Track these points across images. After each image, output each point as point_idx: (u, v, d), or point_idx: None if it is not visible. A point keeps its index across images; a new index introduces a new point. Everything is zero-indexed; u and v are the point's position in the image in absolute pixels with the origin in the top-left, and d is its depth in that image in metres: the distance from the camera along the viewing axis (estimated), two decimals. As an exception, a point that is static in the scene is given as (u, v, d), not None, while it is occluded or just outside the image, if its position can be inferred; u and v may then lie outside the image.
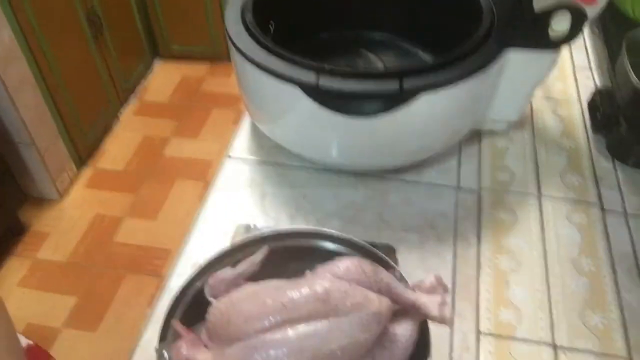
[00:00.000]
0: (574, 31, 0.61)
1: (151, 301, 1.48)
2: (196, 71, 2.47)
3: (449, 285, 0.58)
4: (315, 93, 0.58)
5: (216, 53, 2.43)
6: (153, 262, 1.75)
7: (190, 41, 2.43)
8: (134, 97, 2.35)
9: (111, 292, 1.67)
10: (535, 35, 0.61)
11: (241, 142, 0.77)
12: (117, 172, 2.05)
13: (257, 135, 0.77)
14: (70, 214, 1.90)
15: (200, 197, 0.67)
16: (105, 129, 2.18)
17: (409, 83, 0.57)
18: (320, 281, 0.45)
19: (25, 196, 1.83)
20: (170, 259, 1.75)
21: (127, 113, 2.29)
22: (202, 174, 2.02)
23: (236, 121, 0.79)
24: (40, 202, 1.91)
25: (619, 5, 0.87)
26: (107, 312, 1.63)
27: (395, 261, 0.57)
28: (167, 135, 2.19)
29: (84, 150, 2.03)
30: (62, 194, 1.93)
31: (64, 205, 1.92)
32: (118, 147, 2.14)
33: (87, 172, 2.04)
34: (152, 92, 2.39)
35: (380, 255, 0.53)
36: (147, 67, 2.46)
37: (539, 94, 0.82)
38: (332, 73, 0.57)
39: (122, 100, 2.28)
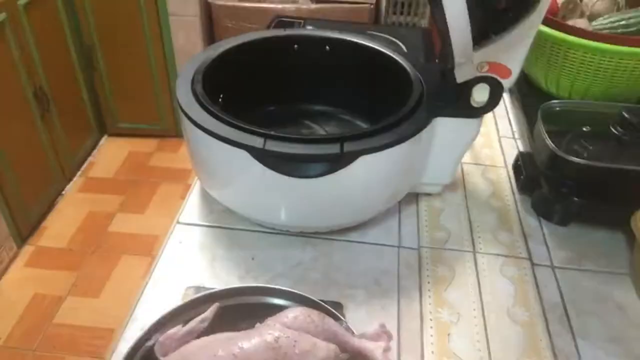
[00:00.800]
0: (493, 101, 0.68)
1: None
2: (144, 147, 2.48)
3: (395, 338, 0.61)
4: (263, 157, 0.61)
5: (164, 129, 2.47)
6: (94, 343, 1.67)
7: (139, 118, 2.46)
8: (79, 174, 2.33)
9: (48, 377, 1.58)
10: (459, 105, 0.68)
11: (191, 207, 0.79)
12: (60, 249, 1.99)
13: (207, 200, 0.79)
14: (8, 294, 1.81)
15: (147, 273, 0.69)
16: (49, 206, 2.13)
17: (349, 147, 0.62)
18: (270, 331, 0.47)
19: (-42, 277, 1.75)
20: (113, 338, 1.68)
21: (72, 189, 2.26)
22: (149, 250, 1.99)
23: (184, 196, 0.81)
24: (-25, 283, 1.82)
25: (534, 80, 0.97)
26: (43, 399, 1.53)
27: (343, 316, 0.59)
28: (112, 211, 2.16)
29: (25, 228, 1.97)
30: (-1, 274, 1.85)
31: (1, 286, 1.83)
32: (61, 224, 2.09)
33: (27, 250, 1.97)
34: (99, 168, 2.37)
35: (328, 309, 0.55)
36: (94, 144, 2.46)
37: (468, 159, 0.89)
38: (278, 138, 0.62)
39: (68, 177, 2.25)
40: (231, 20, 2.09)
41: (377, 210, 0.75)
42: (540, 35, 0.86)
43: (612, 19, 0.86)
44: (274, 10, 1.96)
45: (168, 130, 2.46)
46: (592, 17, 0.92)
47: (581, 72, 0.85)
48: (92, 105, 2.38)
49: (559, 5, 0.94)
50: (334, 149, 0.61)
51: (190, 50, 2.17)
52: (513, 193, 0.84)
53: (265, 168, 0.62)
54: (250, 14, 2.03)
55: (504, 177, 0.87)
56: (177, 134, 2.45)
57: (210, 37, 2.20)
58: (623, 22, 0.84)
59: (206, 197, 0.80)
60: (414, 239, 0.75)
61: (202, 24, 2.15)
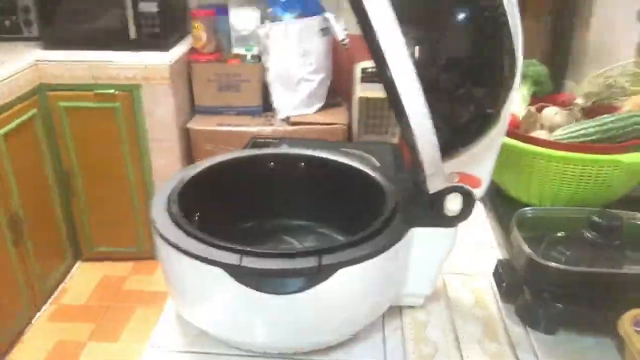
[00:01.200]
0: (466, 210, 0.69)
1: None
2: (119, 270, 2.42)
3: None
4: (239, 273, 0.60)
5: (141, 251, 2.43)
6: None
7: (115, 242, 2.42)
8: (50, 301, 2.24)
9: None
10: (433, 214, 0.69)
11: (164, 331, 0.75)
12: (23, 385, 1.85)
13: (181, 323, 0.76)
14: None
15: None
16: (17, 337, 2.02)
17: (327, 260, 0.61)
18: None
19: None
20: None
21: (42, 318, 2.15)
22: (121, 381, 1.87)
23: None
24: None
25: (506, 190, 1.00)
26: None
27: None
28: (83, 340, 2.05)
29: (-14, 363, 1.84)
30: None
31: None
32: (27, 356, 1.97)
33: (-13, 389, 1.83)
34: (71, 295, 2.29)
35: None
36: (68, 269, 2.39)
37: (449, 269, 0.89)
38: (255, 254, 0.61)
39: (38, 305, 2.16)
40: (210, 143, 2.16)
41: (360, 326, 0.72)
42: (506, 147, 0.90)
43: (571, 129, 0.91)
44: (251, 133, 2.03)
45: (144, 252, 2.42)
46: (552, 129, 0.97)
47: (547, 180, 0.88)
48: (68, 230, 2.35)
49: (520, 120, 1.00)
50: (311, 262, 0.60)
51: (169, 173, 2.20)
52: (496, 301, 0.82)
53: (240, 285, 0.60)
54: (228, 137, 2.10)
55: (486, 286, 0.86)
56: (154, 255, 2.40)
57: (189, 159, 2.25)
58: (582, 132, 0.89)
59: (180, 320, 0.76)
60: (400, 354, 0.72)
61: (180, 148, 2.21)
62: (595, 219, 0.76)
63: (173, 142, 2.20)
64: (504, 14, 0.55)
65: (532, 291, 0.76)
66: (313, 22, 2.02)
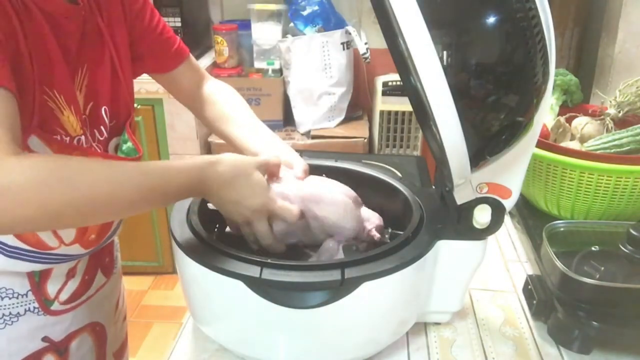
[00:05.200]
0: (496, 222, 0.66)
1: None
2: (139, 284, 2.42)
3: None
4: (259, 286, 0.58)
5: (161, 266, 2.42)
6: None
7: (136, 257, 2.42)
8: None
9: None
10: (461, 227, 0.66)
11: (183, 346, 0.73)
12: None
13: (200, 338, 0.74)
14: None
15: None
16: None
17: (350, 273, 0.58)
18: None
19: None
20: None
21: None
22: (139, 398, 1.85)
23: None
24: None
25: (535, 203, 0.96)
26: None
27: None
28: None
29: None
30: None
31: None
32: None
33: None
34: (91, 309, 2.29)
35: None
36: (88, 283, 2.39)
37: (477, 286, 0.85)
38: (275, 266, 0.59)
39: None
40: (230, 157, 2.15)
41: (384, 343, 0.69)
42: (535, 158, 0.87)
43: (604, 140, 0.87)
44: (271, 146, 2.01)
45: (164, 266, 2.41)
46: (582, 140, 0.94)
47: (580, 193, 0.85)
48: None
49: (549, 130, 0.96)
50: (334, 275, 0.58)
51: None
52: (527, 319, 0.78)
53: (260, 299, 0.58)
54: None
55: (515, 303, 0.82)
56: (174, 270, 2.40)
57: (210, 173, 2.25)
58: (616, 142, 0.85)
59: (199, 335, 0.74)
60: (426, 374, 0.69)
61: (201, 162, 2.21)
62: (634, 232, 0.72)
63: (194, 156, 2.20)
64: (538, 20, 0.53)
65: (565, 308, 0.72)
66: (334, 36, 2.01)
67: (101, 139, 0.75)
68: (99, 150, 0.74)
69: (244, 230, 0.66)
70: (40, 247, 0.70)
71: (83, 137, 0.69)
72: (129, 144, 0.79)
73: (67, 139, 0.67)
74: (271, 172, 0.69)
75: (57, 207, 0.51)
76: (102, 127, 0.74)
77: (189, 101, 0.93)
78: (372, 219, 0.73)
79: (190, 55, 0.90)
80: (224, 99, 0.90)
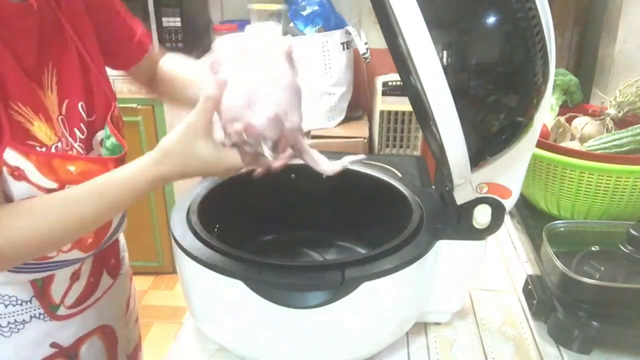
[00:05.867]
0: (496, 222, 0.66)
1: None
2: (139, 284, 2.41)
3: None
4: (259, 286, 0.58)
5: (161, 266, 2.42)
6: None
7: (135, 257, 2.42)
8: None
9: None
10: (461, 227, 0.66)
11: (182, 346, 0.73)
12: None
13: (199, 338, 0.74)
14: None
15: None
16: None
17: (350, 273, 0.58)
18: None
19: None
20: None
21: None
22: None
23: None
24: None
25: (535, 203, 0.96)
26: None
27: None
28: None
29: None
30: None
31: None
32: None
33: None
34: (91, 309, 2.29)
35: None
36: (88, 283, 2.39)
37: (477, 286, 0.85)
38: (275, 267, 0.59)
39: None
40: (230, 157, 2.15)
41: (384, 343, 0.69)
42: (535, 158, 0.87)
43: (604, 140, 0.87)
44: (271, 146, 2.01)
45: (165, 266, 2.41)
46: (582, 140, 0.94)
47: (580, 193, 0.85)
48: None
49: (549, 130, 0.96)
50: (334, 276, 0.58)
51: (189, 187, 2.20)
52: (527, 319, 0.78)
53: (260, 299, 0.58)
54: (249, 151, 2.09)
55: (515, 303, 0.82)
56: (174, 270, 2.40)
57: (210, 173, 2.25)
58: (616, 142, 0.85)
59: (199, 335, 0.74)
60: (426, 375, 0.69)
61: (201, 162, 2.21)
62: (634, 232, 0.72)
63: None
64: (538, 20, 0.53)
65: (565, 308, 0.72)
66: (334, 36, 2.01)
67: (82, 137, 0.71)
68: (80, 152, 0.70)
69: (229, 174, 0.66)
70: (39, 259, 0.69)
71: (60, 144, 0.67)
72: (113, 139, 0.76)
73: (44, 149, 0.64)
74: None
75: (30, 253, 0.60)
76: (81, 124, 0.71)
77: (151, 88, 0.91)
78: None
79: (151, 47, 0.86)
80: (174, 67, 0.87)
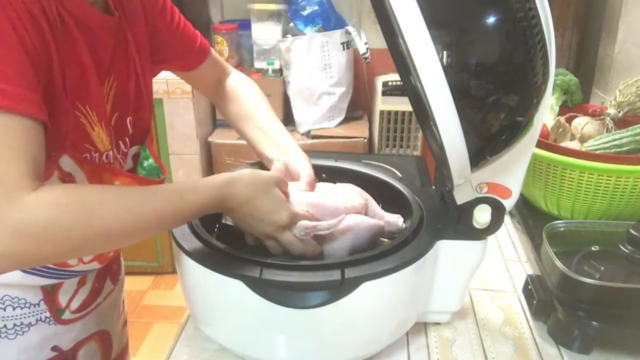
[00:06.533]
0: (496, 222, 0.66)
1: None
2: (139, 284, 2.42)
3: None
4: (259, 286, 0.58)
5: (161, 266, 2.42)
6: None
7: (135, 257, 2.42)
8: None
9: None
10: (461, 227, 0.66)
11: (182, 346, 0.73)
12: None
13: (200, 338, 0.74)
14: None
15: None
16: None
17: (350, 273, 0.58)
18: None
19: None
20: None
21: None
22: (139, 397, 1.85)
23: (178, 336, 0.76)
24: None
25: (535, 203, 0.96)
26: None
27: None
28: None
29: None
30: None
31: None
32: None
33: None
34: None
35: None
36: (88, 283, 2.39)
37: (477, 286, 0.85)
38: (275, 266, 0.59)
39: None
40: (230, 157, 2.15)
41: (384, 343, 0.69)
42: (535, 158, 0.87)
43: (604, 140, 0.87)
44: (271, 146, 2.01)
45: (164, 266, 2.41)
46: (582, 139, 0.94)
47: (580, 193, 0.85)
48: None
49: (549, 130, 0.96)
50: (334, 275, 0.58)
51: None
52: (527, 319, 0.78)
53: (260, 298, 0.58)
54: (249, 151, 2.09)
55: (515, 303, 0.82)
56: (174, 270, 2.40)
57: (210, 173, 2.25)
58: (616, 142, 0.85)
59: (199, 335, 0.74)
60: (426, 375, 0.69)
61: (201, 162, 2.21)
62: (634, 232, 0.72)
63: (194, 156, 2.20)
64: (538, 20, 0.53)
65: (565, 308, 0.72)
66: (334, 36, 2.01)
67: (125, 150, 0.74)
68: (122, 164, 0.73)
69: (268, 243, 0.66)
70: (60, 265, 0.69)
71: (111, 152, 0.69)
72: (151, 161, 0.77)
73: (97, 155, 0.66)
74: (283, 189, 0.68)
75: (75, 244, 0.52)
76: (126, 139, 0.74)
77: (213, 97, 0.93)
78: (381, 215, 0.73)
79: (212, 50, 0.90)
80: (243, 95, 0.90)
